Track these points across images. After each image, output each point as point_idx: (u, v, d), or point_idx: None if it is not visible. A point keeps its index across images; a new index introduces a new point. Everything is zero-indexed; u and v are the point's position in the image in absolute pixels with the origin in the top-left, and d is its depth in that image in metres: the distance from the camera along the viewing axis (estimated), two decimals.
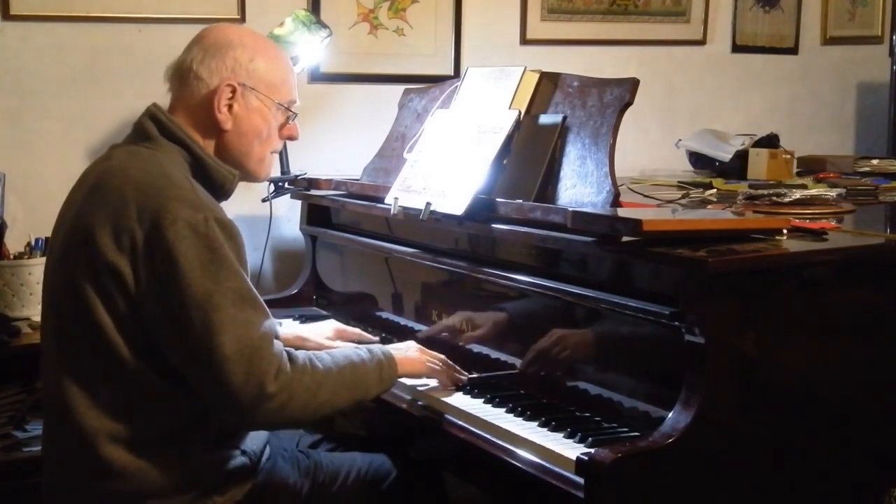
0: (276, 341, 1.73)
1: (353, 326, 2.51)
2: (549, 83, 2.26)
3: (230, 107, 1.86)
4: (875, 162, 3.44)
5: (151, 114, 1.87)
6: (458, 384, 2.06)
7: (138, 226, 1.69)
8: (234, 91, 1.86)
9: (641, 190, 2.75)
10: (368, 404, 1.93)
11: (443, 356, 2.09)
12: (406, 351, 2.03)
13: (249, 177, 1.96)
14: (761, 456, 1.72)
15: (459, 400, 2.00)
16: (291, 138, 1.99)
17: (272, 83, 1.90)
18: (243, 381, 1.66)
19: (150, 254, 1.68)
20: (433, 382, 2.08)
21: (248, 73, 1.87)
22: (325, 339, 2.28)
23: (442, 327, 2.29)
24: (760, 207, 2.39)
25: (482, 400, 1.99)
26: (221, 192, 1.88)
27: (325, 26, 3.04)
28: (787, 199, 2.41)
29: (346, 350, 1.91)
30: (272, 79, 1.90)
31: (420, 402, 2.05)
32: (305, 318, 2.63)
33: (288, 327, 2.32)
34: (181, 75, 1.88)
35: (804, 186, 2.77)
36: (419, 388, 2.07)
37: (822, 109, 4.36)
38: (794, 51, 4.27)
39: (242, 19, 3.16)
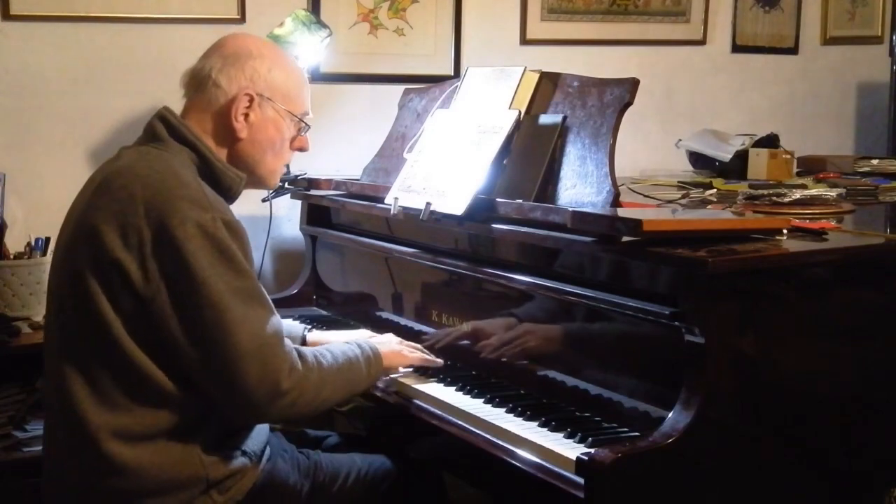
0: (286, 339, 1.77)
1: (355, 327, 2.52)
2: (549, 83, 2.26)
3: (246, 116, 1.89)
4: (875, 162, 3.43)
5: (161, 116, 1.88)
6: (432, 366, 2.14)
7: (146, 224, 1.70)
8: (251, 100, 1.88)
9: (641, 190, 2.75)
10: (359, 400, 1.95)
11: (418, 345, 2.19)
12: (388, 345, 2.10)
13: (258, 184, 1.99)
14: (761, 456, 1.72)
15: (459, 400, 2.00)
16: (302, 149, 2.02)
17: (288, 94, 1.93)
18: (258, 378, 1.70)
19: (158, 252, 1.69)
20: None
21: (267, 84, 1.90)
22: None
23: (442, 327, 2.29)
24: (760, 207, 2.39)
25: (482, 400, 1.98)
26: (228, 195, 1.90)
27: (325, 26, 3.04)
28: (787, 199, 2.41)
29: (342, 346, 1.97)
30: (289, 90, 1.93)
31: (420, 403, 2.05)
32: (305, 319, 2.63)
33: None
34: (199, 82, 1.90)
35: (804, 186, 2.77)
36: (420, 388, 2.07)
37: (822, 109, 4.35)
38: (794, 51, 4.27)
39: (242, 19, 3.16)
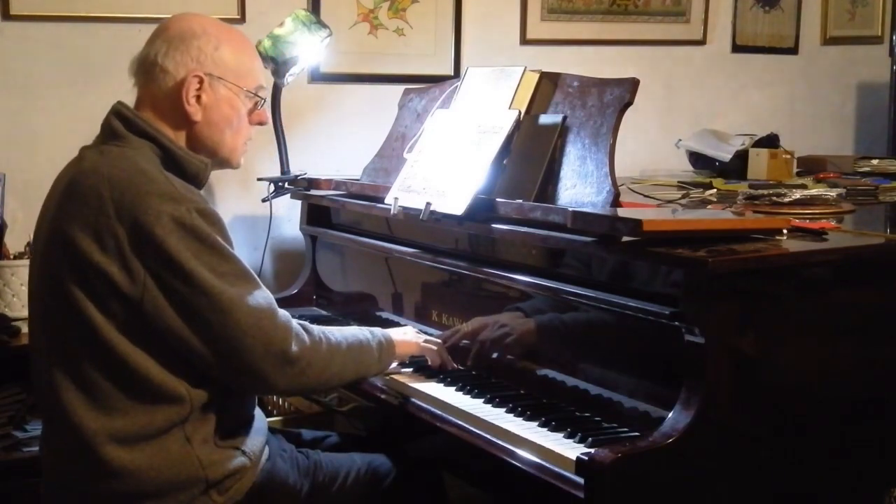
0: (280, 310, 1.81)
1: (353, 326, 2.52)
2: (549, 83, 2.26)
3: (199, 98, 1.86)
4: (875, 162, 3.44)
5: (117, 111, 1.87)
6: (446, 367, 2.13)
7: (119, 224, 1.70)
8: (201, 82, 1.85)
9: (641, 190, 2.75)
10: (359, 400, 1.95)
11: (438, 340, 2.17)
12: (403, 335, 2.12)
13: (224, 165, 1.97)
14: (761, 456, 1.72)
15: (459, 400, 2.00)
16: (261, 123, 1.99)
17: (239, 71, 1.90)
18: (264, 349, 1.74)
19: (139, 251, 1.69)
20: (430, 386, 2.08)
21: (214, 63, 1.87)
22: None
23: (442, 327, 2.29)
24: (760, 207, 2.39)
25: (482, 400, 1.98)
26: (195, 182, 1.88)
27: (325, 26, 3.04)
28: (787, 199, 2.41)
29: (352, 329, 2.01)
30: (238, 66, 1.90)
31: (420, 402, 2.05)
32: (306, 319, 2.62)
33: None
34: (146, 70, 1.88)
35: (804, 186, 2.77)
36: (419, 388, 2.07)
37: (822, 109, 4.35)
38: (794, 51, 4.27)
39: (242, 19, 3.17)
